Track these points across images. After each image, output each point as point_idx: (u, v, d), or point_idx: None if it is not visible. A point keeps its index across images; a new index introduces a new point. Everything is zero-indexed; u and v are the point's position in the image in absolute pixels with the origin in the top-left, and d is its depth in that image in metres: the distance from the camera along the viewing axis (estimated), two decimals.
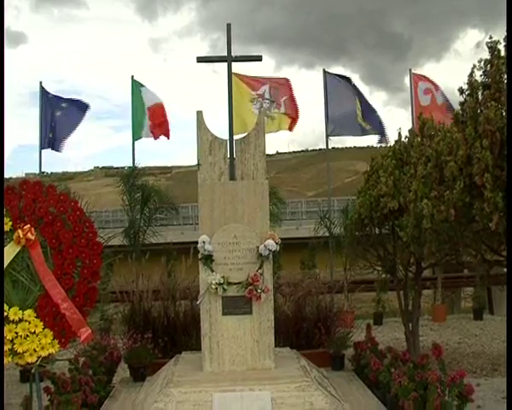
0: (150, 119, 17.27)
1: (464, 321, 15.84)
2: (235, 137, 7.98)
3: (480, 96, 7.61)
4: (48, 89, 17.17)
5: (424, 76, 17.17)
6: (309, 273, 15.82)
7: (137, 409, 7.19)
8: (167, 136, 17.54)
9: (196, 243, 7.53)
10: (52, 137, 16.75)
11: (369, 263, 10.43)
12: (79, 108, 17.28)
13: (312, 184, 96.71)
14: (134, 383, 9.25)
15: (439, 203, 7.43)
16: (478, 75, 7.83)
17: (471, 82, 7.83)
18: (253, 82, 15.29)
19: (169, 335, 10.11)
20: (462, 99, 8.02)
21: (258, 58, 8.32)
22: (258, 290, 7.30)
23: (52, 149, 16.85)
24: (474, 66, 7.80)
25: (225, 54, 8.20)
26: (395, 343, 10.39)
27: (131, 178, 15.21)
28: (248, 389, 6.83)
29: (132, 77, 17.59)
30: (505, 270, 10.91)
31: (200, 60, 8.34)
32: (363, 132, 15.75)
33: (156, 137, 17.44)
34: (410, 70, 16.78)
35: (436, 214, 7.41)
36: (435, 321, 15.67)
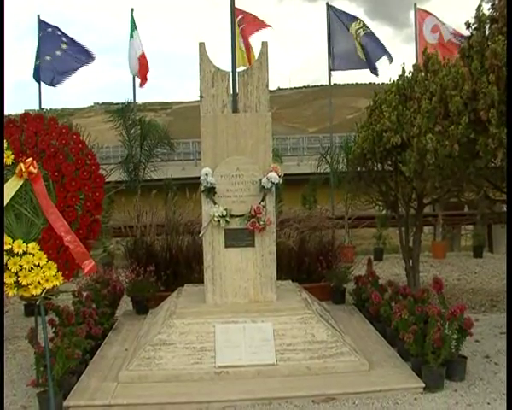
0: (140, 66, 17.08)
1: (464, 258, 15.96)
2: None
3: (487, 31, 7.48)
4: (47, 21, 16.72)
5: (431, 13, 16.82)
6: (316, 209, 15.90)
7: (141, 341, 7.28)
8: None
9: (197, 178, 7.51)
10: (52, 73, 16.42)
11: (370, 198, 10.44)
12: (81, 53, 16.80)
13: (314, 121, 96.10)
14: (137, 315, 9.42)
15: (443, 138, 7.39)
16: (486, 9, 7.70)
17: (478, 16, 7.70)
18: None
19: (171, 268, 10.20)
20: (469, 33, 7.90)
21: None
22: (261, 223, 7.33)
23: (49, 84, 16.55)
24: None
25: None
26: (395, 279, 10.43)
27: (128, 113, 14.97)
28: (251, 321, 6.93)
29: (132, 10, 17.27)
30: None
31: None
32: (361, 66, 15.55)
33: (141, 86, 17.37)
34: (415, 5, 16.45)
35: (440, 149, 7.37)
36: (435, 258, 15.80)
